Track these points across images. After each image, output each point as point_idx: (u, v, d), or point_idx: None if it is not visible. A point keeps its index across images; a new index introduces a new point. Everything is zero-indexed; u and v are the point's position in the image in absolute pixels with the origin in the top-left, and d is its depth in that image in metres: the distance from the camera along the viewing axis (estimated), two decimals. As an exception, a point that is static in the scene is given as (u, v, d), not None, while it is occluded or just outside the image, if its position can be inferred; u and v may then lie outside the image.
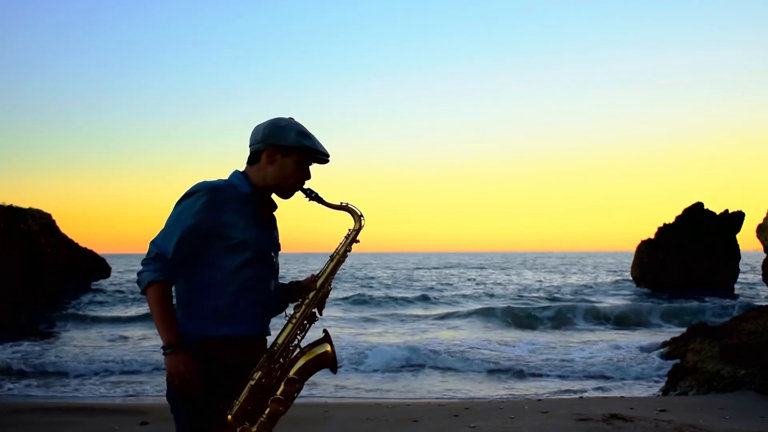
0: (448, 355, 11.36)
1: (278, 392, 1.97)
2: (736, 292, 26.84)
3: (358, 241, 2.20)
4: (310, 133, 2.14)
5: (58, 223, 20.40)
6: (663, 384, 8.89)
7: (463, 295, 26.58)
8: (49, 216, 19.80)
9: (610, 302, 23.04)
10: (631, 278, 30.43)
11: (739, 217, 27.30)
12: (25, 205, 18.07)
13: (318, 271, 2.18)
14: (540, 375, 10.32)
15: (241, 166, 2.20)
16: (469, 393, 9.00)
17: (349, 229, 2.20)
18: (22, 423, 6.11)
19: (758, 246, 15.64)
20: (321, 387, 9.02)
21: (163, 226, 2.05)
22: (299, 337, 2.09)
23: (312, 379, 2.19)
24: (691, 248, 26.56)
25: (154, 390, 8.92)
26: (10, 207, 16.88)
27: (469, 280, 39.88)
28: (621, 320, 17.70)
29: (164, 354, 1.96)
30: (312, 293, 2.12)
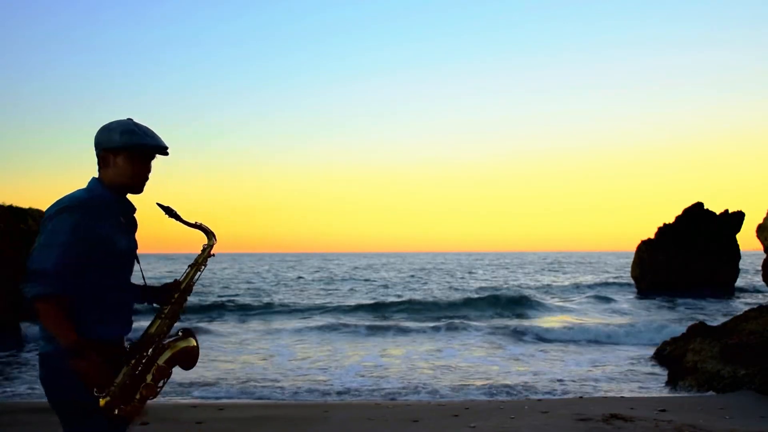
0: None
1: (148, 378, 2.14)
2: (736, 292, 26.84)
3: (213, 255, 2.44)
4: (138, 130, 2.17)
5: (58, 223, 20.37)
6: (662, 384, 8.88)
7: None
8: (49, 216, 19.76)
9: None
10: (630, 278, 30.45)
11: (739, 217, 27.32)
12: (25, 205, 18.00)
13: (180, 276, 2.39)
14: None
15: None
16: (468, 393, 8.98)
17: (204, 245, 2.43)
18: (22, 423, 6.10)
19: (758, 246, 15.62)
20: (321, 386, 9.00)
21: (35, 247, 2.06)
22: (165, 330, 2.28)
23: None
24: (691, 248, 26.56)
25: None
26: (10, 207, 16.82)
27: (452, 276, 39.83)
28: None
29: (72, 356, 1.98)
30: (177, 294, 2.32)
